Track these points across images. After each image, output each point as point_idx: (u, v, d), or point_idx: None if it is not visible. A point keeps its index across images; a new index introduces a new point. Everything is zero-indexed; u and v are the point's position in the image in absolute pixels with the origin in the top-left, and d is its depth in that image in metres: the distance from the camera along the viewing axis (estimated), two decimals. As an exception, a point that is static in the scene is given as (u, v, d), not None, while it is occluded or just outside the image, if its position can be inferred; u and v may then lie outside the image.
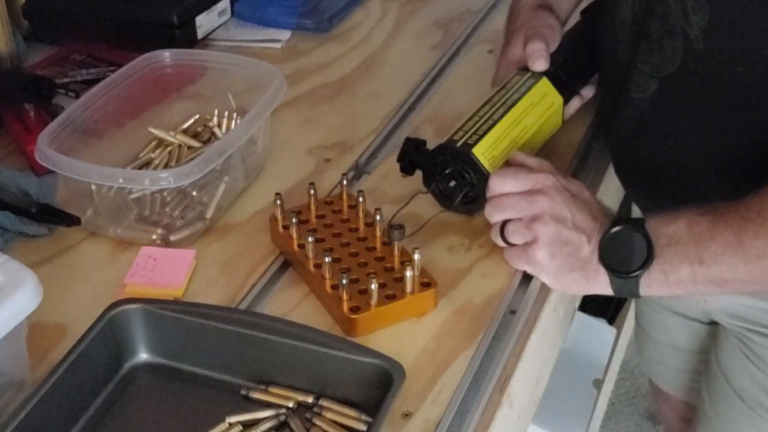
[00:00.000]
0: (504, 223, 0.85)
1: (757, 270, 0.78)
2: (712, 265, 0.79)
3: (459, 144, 0.91)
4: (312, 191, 0.92)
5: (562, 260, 0.82)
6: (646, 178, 0.97)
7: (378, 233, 0.89)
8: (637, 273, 0.80)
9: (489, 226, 0.92)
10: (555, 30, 1.04)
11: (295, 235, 0.88)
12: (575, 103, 1.05)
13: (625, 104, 0.93)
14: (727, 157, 0.88)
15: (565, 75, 1.02)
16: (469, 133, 0.92)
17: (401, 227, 0.86)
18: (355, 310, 0.81)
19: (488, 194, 0.86)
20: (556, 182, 0.84)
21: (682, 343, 1.22)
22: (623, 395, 2.06)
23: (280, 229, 0.90)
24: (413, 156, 0.95)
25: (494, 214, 0.86)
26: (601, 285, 0.83)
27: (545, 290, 0.88)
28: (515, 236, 0.84)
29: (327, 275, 0.84)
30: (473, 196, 0.92)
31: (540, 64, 1.00)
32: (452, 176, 0.92)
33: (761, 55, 0.81)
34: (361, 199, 0.91)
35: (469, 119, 0.95)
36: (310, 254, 0.86)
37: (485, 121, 0.94)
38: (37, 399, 0.70)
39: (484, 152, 0.91)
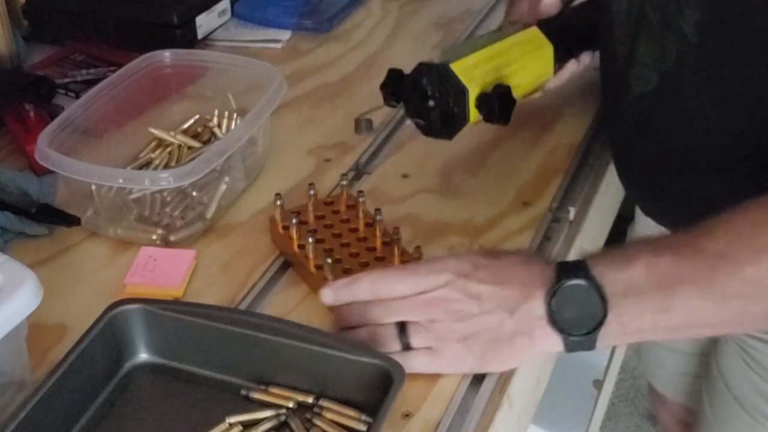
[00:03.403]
0: (401, 326, 0.77)
1: (726, 310, 0.72)
2: (679, 311, 0.71)
3: (437, 62, 0.90)
4: (312, 191, 0.92)
5: (482, 347, 0.75)
6: (647, 176, 0.97)
7: (378, 233, 0.89)
8: (594, 333, 0.72)
9: (489, 226, 0.93)
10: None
11: (294, 236, 0.88)
12: (571, 66, 1.03)
13: (627, 99, 0.92)
14: (726, 156, 0.88)
15: (558, 31, 1.00)
16: (448, 55, 0.91)
17: (369, 120, 0.84)
18: None
19: (375, 294, 0.77)
20: (451, 277, 0.75)
21: (680, 346, 1.22)
22: (623, 395, 2.06)
23: (280, 230, 0.90)
24: (395, 85, 0.92)
25: (387, 316, 0.76)
26: (550, 345, 0.75)
27: (545, 290, 0.88)
28: (417, 339, 0.75)
29: (329, 276, 0.83)
30: (451, 114, 0.89)
31: (552, 7, 1.00)
32: (431, 96, 0.89)
33: (754, 50, 0.80)
34: (361, 200, 0.91)
35: (450, 48, 0.93)
36: (311, 255, 0.86)
37: (466, 48, 0.92)
38: (37, 399, 0.69)
39: (462, 69, 0.88)
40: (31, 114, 1.09)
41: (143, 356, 0.79)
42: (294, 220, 0.88)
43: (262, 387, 0.76)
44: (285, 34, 1.34)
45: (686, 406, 1.28)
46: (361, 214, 0.91)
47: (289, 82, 1.03)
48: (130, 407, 0.76)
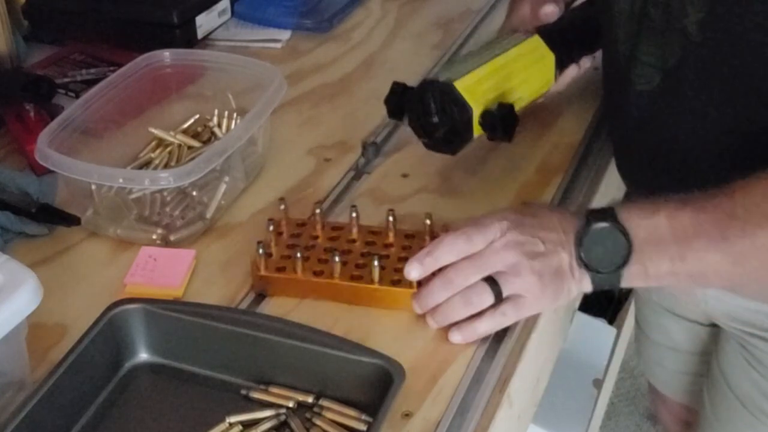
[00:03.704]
0: (487, 283, 0.80)
1: (738, 268, 0.77)
2: (694, 262, 0.77)
3: (441, 79, 0.91)
4: (271, 227, 0.88)
5: (552, 287, 0.80)
6: (647, 174, 0.97)
7: (354, 230, 0.89)
8: (619, 270, 0.78)
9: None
10: (560, 2, 1.04)
11: (300, 268, 0.85)
12: (572, 71, 1.04)
13: (629, 98, 0.93)
14: (725, 152, 0.88)
15: (559, 37, 1.01)
16: (452, 71, 0.92)
17: (375, 143, 0.86)
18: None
19: (440, 262, 0.81)
20: (508, 223, 0.80)
21: (680, 345, 1.22)
22: (623, 395, 2.06)
23: (272, 271, 0.86)
24: (399, 98, 0.94)
25: (468, 278, 0.80)
26: (587, 284, 0.81)
27: (545, 290, 0.88)
28: (509, 286, 0.79)
29: (376, 278, 0.83)
30: (455, 132, 0.91)
31: (551, 13, 1.01)
32: (435, 112, 0.90)
33: (759, 51, 0.81)
34: (318, 210, 0.90)
35: (455, 61, 0.94)
36: (337, 273, 0.84)
37: (469, 63, 0.93)
38: (37, 399, 0.70)
39: (466, 87, 0.90)
40: (31, 114, 1.09)
41: (143, 356, 0.79)
42: (299, 254, 0.85)
43: (262, 387, 0.76)
44: (285, 34, 1.34)
45: (687, 405, 1.28)
46: (318, 225, 0.90)
47: (289, 82, 1.03)
48: (130, 407, 0.76)
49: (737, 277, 0.79)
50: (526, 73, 0.97)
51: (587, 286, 0.81)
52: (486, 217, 0.82)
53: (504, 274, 0.79)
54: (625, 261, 0.78)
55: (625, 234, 0.77)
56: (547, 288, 0.80)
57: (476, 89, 0.91)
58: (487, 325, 0.80)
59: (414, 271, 0.81)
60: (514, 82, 0.95)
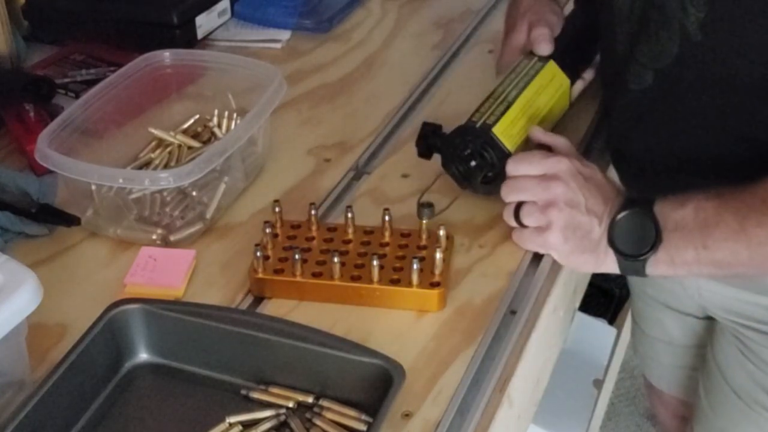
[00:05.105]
0: (518, 205, 0.87)
1: (758, 257, 0.80)
2: (715, 250, 0.81)
3: (478, 125, 0.92)
4: (267, 229, 0.88)
5: (574, 243, 0.84)
6: (643, 173, 0.97)
7: (350, 230, 0.89)
8: (645, 257, 0.82)
9: (489, 226, 0.93)
10: (558, 16, 1.05)
11: (299, 270, 0.85)
12: (578, 87, 1.06)
13: (624, 96, 0.93)
14: (723, 153, 0.88)
15: (569, 58, 1.03)
16: (487, 114, 0.93)
17: (431, 205, 0.88)
18: (435, 285, 0.83)
19: (514, 172, 0.87)
20: (570, 166, 0.85)
21: (676, 338, 1.23)
22: (623, 395, 2.06)
23: (270, 274, 0.86)
24: (431, 140, 0.95)
25: (509, 195, 0.87)
26: (610, 265, 0.85)
27: (545, 290, 0.89)
28: (529, 219, 0.86)
29: (375, 278, 0.84)
30: (493, 175, 0.92)
31: (546, 48, 1.01)
32: (472, 157, 0.92)
33: (759, 51, 0.81)
34: (313, 213, 0.90)
35: (484, 102, 0.95)
36: (336, 274, 0.84)
37: (500, 103, 0.95)
38: (37, 399, 0.70)
39: (503, 131, 0.92)
40: (31, 114, 1.09)
41: (143, 356, 0.79)
42: (297, 256, 0.85)
43: (262, 387, 0.76)
44: (285, 34, 1.34)
45: (683, 400, 1.29)
46: (314, 227, 0.90)
47: (289, 82, 1.03)
48: (130, 407, 0.76)
49: (756, 265, 0.82)
50: (549, 105, 0.99)
51: (611, 267, 0.85)
52: (554, 154, 0.87)
53: (531, 206, 0.85)
54: (651, 250, 0.82)
55: (656, 225, 0.81)
56: (567, 242, 0.84)
57: (511, 131, 0.93)
58: (515, 237, 0.89)
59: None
60: (540, 116, 0.97)
